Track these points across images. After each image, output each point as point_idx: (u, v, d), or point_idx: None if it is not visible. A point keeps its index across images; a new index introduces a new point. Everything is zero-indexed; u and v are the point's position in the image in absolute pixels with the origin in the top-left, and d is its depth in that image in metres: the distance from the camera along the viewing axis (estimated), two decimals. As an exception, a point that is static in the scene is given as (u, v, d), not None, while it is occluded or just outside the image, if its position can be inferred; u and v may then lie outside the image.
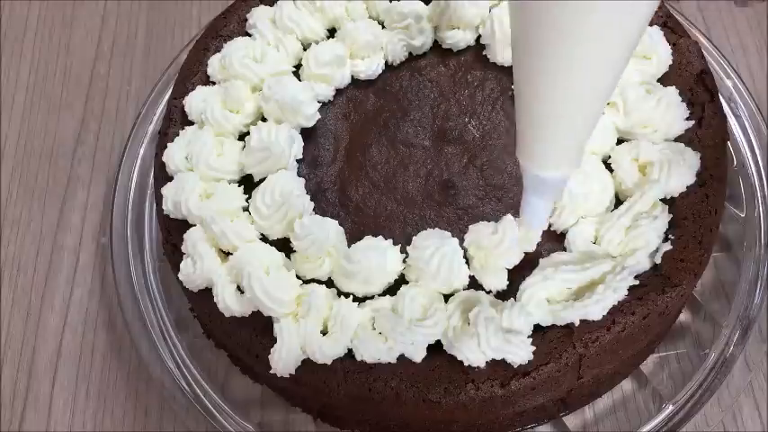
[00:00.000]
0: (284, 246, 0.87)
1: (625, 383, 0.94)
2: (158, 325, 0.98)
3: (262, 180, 0.90)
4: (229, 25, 1.03)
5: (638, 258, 0.81)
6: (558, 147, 0.65)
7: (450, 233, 0.84)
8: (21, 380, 1.02)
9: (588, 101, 0.62)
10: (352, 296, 0.83)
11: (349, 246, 0.85)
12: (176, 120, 0.98)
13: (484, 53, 0.98)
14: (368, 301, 0.83)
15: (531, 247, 0.82)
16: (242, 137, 0.95)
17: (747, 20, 1.19)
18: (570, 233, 0.84)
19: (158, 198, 0.93)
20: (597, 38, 0.57)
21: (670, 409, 0.89)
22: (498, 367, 0.79)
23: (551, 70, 0.59)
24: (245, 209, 0.90)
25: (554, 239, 0.85)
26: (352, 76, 0.99)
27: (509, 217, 0.80)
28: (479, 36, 0.98)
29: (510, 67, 0.97)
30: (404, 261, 0.84)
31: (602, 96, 0.62)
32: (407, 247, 0.83)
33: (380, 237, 0.85)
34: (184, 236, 0.88)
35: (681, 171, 0.84)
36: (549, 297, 0.81)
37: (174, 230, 0.91)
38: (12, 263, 1.10)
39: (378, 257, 0.82)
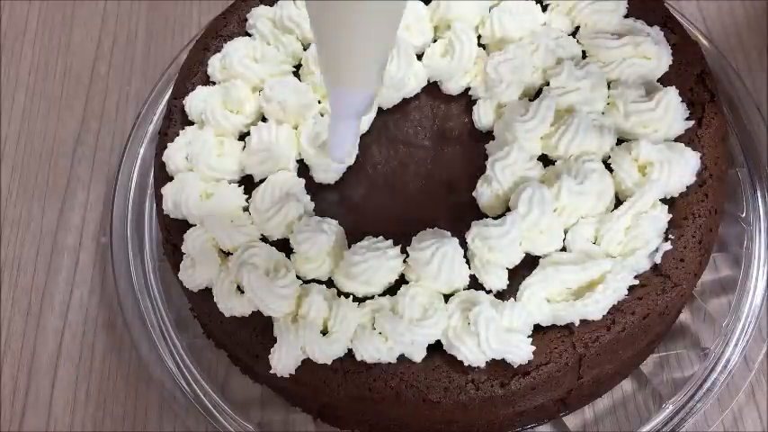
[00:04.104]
0: (284, 246, 0.87)
1: (625, 383, 0.94)
2: (158, 325, 0.98)
3: (262, 180, 0.90)
4: (229, 25, 1.03)
5: (638, 258, 0.81)
6: (356, 65, 0.68)
7: (450, 233, 0.84)
8: (21, 380, 1.02)
9: (373, 24, 0.66)
10: (352, 296, 0.83)
11: (349, 246, 0.86)
12: (176, 120, 0.98)
13: (484, 53, 0.98)
14: (368, 301, 0.83)
15: (334, 173, 0.85)
16: (242, 137, 0.95)
17: (747, 20, 1.19)
18: (570, 233, 0.84)
19: (158, 198, 0.93)
20: None
21: (670, 409, 0.89)
22: (498, 367, 0.79)
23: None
24: (245, 209, 0.90)
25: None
26: (352, 76, 0.99)
27: (514, 212, 0.81)
28: (479, 36, 0.98)
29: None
30: (404, 261, 0.84)
31: (384, 21, 0.66)
32: (407, 247, 0.83)
33: (380, 237, 0.85)
34: (184, 236, 0.88)
35: (681, 171, 0.84)
36: (549, 297, 0.81)
37: (174, 230, 0.91)
38: (12, 263, 1.10)
39: (378, 257, 0.82)
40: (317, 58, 0.70)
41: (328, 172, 0.91)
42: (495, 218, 0.84)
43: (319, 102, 0.94)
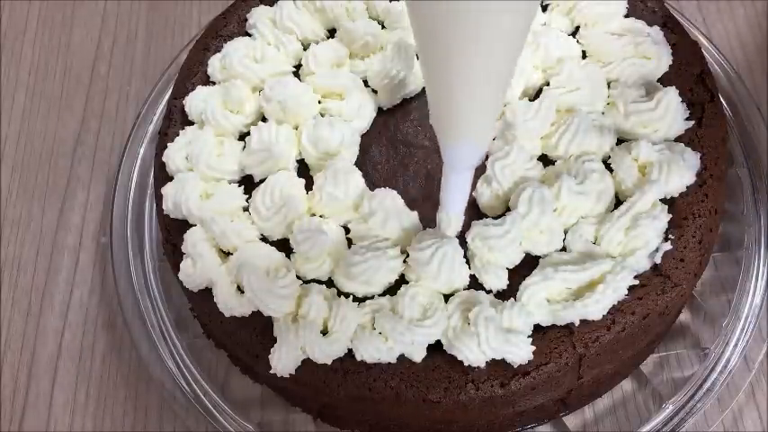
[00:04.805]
0: (284, 246, 0.87)
1: (625, 383, 0.94)
2: (158, 325, 0.98)
3: (262, 180, 0.90)
4: (229, 25, 1.03)
5: (638, 258, 0.81)
6: (470, 120, 0.68)
7: (450, 233, 0.84)
8: (21, 380, 1.02)
9: (489, 81, 0.64)
10: (352, 296, 0.83)
11: (349, 246, 0.86)
12: (176, 120, 0.98)
13: (484, 53, 0.98)
14: (368, 301, 0.83)
15: (455, 230, 0.82)
16: (242, 137, 0.95)
17: (747, 20, 1.19)
18: (570, 233, 0.84)
19: (158, 198, 0.93)
20: (490, 33, 0.60)
21: (670, 409, 0.89)
22: (498, 367, 0.79)
23: (454, 56, 0.61)
24: (245, 209, 0.90)
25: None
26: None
27: (514, 212, 0.81)
28: (479, 36, 0.98)
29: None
30: (404, 261, 0.84)
31: (501, 77, 0.65)
32: (407, 247, 0.83)
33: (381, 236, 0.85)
34: (184, 236, 0.88)
35: (681, 171, 0.84)
36: (549, 297, 0.81)
37: (174, 230, 0.91)
38: (12, 263, 1.10)
39: (378, 257, 0.82)
40: (430, 114, 0.71)
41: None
42: (495, 218, 0.84)
43: (319, 102, 0.95)
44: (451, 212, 0.80)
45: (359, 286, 0.83)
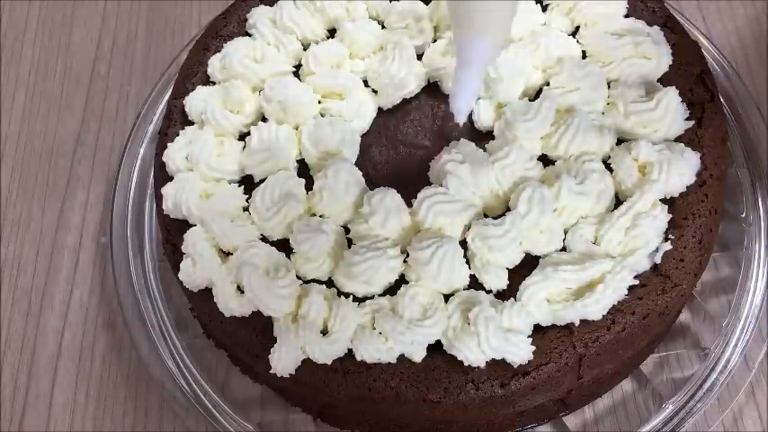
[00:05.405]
0: (284, 246, 0.87)
1: (625, 383, 0.94)
2: (158, 325, 0.98)
3: (262, 180, 0.90)
4: (229, 25, 1.04)
5: (638, 258, 0.82)
6: (487, 13, 0.71)
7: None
8: (21, 380, 1.02)
9: None
10: (352, 296, 0.83)
11: (349, 246, 0.86)
12: (176, 120, 0.98)
13: (484, 53, 0.98)
14: (368, 301, 0.83)
15: (463, 120, 0.81)
16: (242, 137, 0.95)
17: (747, 19, 1.19)
18: (570, 233, 0.84)
19: (158, 198, 0.93)
20: None
21: (670, 409, 0.89)
22: (498, 367, 0.79)
23: None
24: (245, 209, 0.90)
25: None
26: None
27: (514, 212, 0.81)
28: (479, 36, 0.98)
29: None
30: (404, 261, 0.84)
31: None
32: (407, 247, 0.83)
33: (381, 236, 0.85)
34: (184, 236, 0.88)
35: (681, 171, 0.84)
36: (549, 297, 0.81)
37: (174, 230, 0.91)
38: (12, 263, 1.10)
39: (378, 257, 0.82)
40: (447, 8, 0.75)
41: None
42: (495, 218, 0.84)
43: (319, 102, 0.95)
44: (457, 109, 0.80)
45: (359, 286, 0.83)
